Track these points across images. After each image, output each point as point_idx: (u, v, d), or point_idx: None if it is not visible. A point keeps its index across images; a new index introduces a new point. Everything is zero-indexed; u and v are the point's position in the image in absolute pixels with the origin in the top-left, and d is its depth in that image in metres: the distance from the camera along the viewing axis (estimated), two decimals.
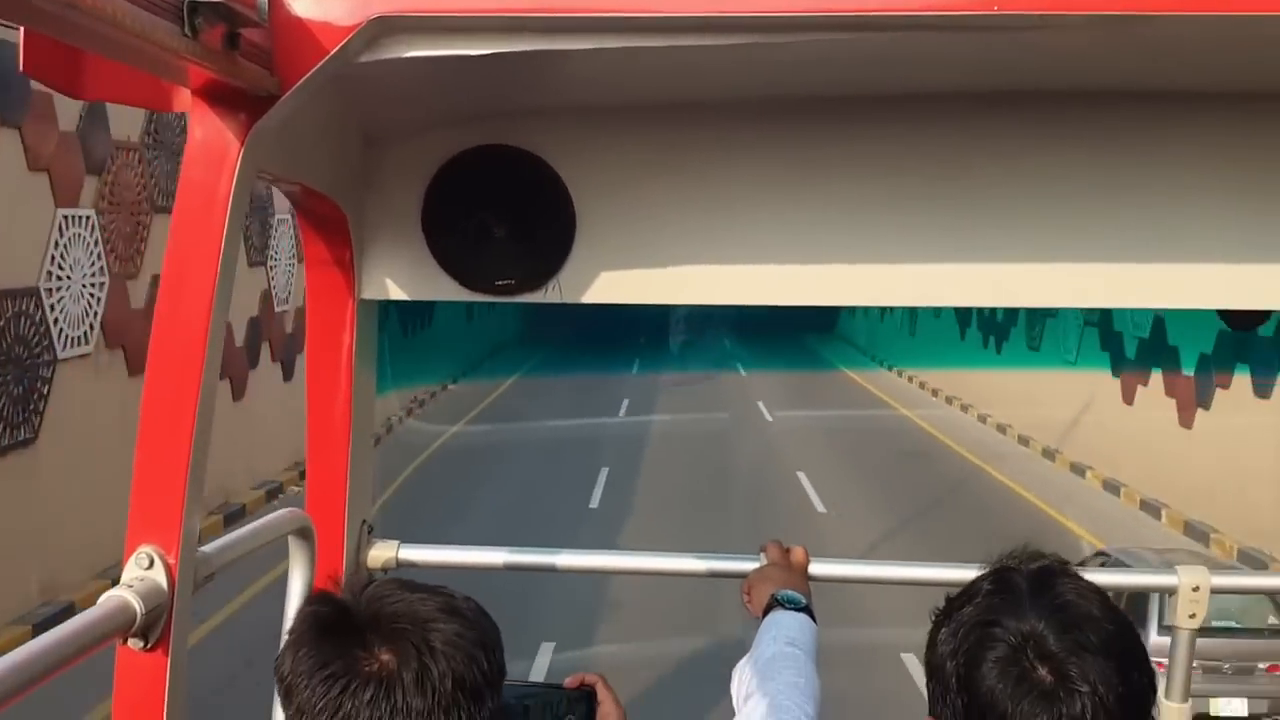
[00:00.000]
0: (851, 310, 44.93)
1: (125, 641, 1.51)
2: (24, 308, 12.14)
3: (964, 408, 28.46)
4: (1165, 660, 2.19)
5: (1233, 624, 9.70)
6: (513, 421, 26.65)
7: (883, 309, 36.24)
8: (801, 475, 19.53)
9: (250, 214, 15.81)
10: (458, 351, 35.19)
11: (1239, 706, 9.80)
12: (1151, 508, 17.65)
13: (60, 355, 12.81)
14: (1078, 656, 1.27)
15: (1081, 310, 19.67)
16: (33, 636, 1.51)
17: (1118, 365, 20.34)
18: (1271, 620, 10.00)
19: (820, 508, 17.55)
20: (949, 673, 1.34)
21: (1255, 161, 2.13)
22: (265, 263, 19.80)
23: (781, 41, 1.65)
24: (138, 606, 1.47)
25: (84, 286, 13.37)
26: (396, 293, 2.27)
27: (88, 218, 13.45)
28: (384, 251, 2.24)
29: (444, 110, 2.16)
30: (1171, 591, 2.32)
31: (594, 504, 17.80)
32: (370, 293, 2.25)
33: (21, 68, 1.47)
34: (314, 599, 1.34)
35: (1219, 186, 2.15)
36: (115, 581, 1.52)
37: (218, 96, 1.55)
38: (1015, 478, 20.34)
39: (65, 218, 12.92)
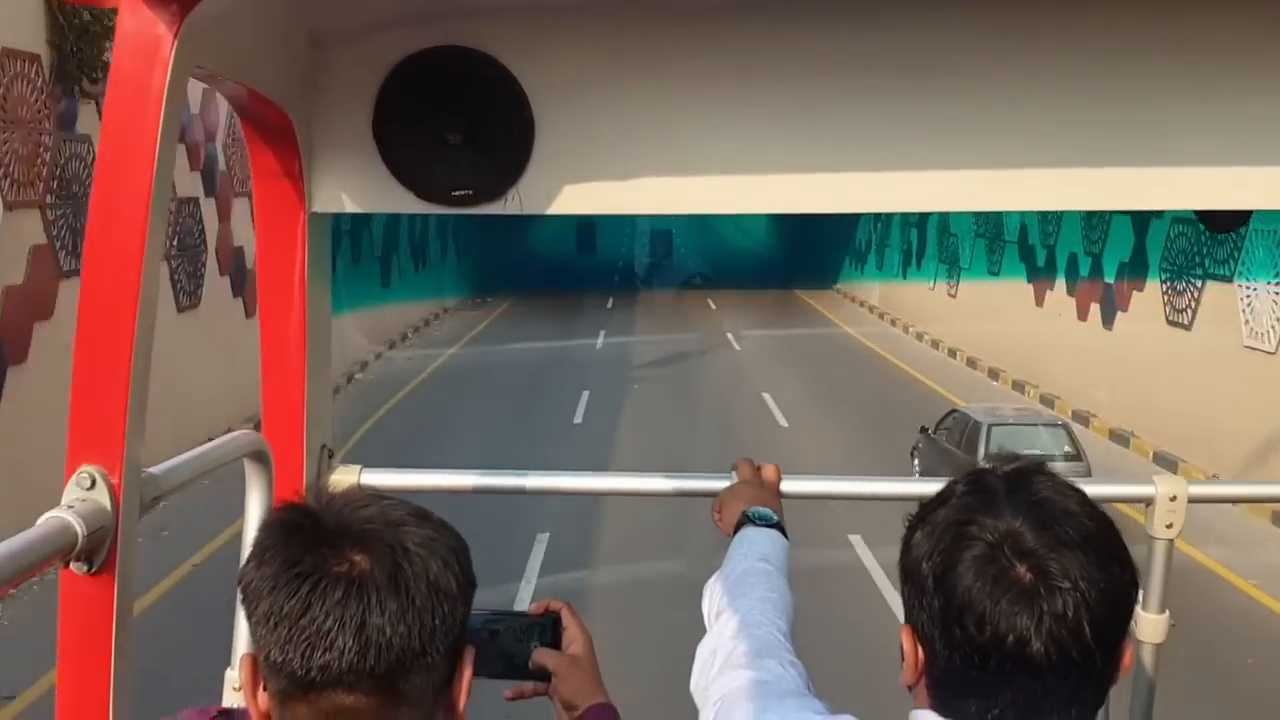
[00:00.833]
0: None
1: (68, 565, 1.43)
2: None
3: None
4: None
5: (1037, 452, 13.02)
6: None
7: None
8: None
9: None
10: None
11: None
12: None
13: None
14: (1057, 553, 1.22)
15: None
16: None
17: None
18: (1066, 449, 14.50)
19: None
20: (924, 574, 1.29)
21: (1230, 61, 2.07)
22: None
23: None
24: (79, 528, 1.40)
25: None
26: (349, 205, 2.17)
27: None
28: (334, 161, 2.14)
29: (394, 8, 2.06)
30: (1149, 501, 2.28)
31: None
32: (321, 205, 2.16)
33: None
34: (279, 508, 1.26)
35: (1196, 87, 2.08)
36: None
37: None
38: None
39: None
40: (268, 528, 1.20)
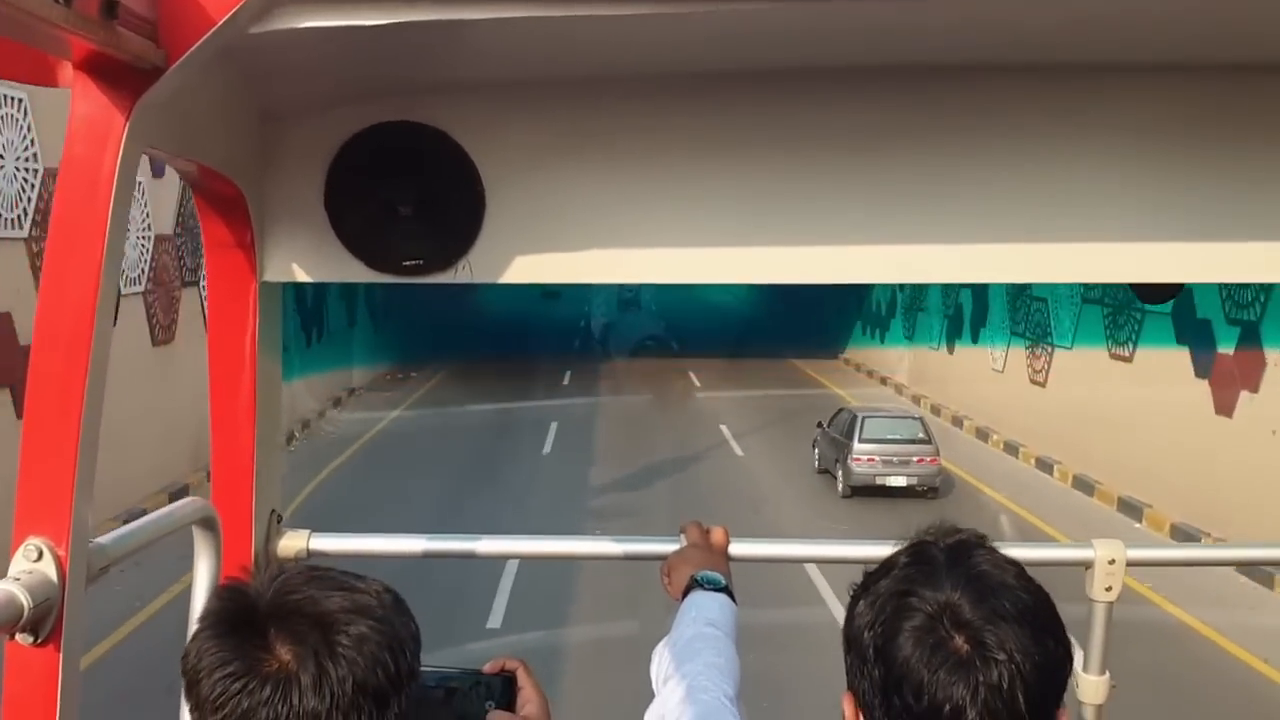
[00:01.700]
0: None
1: (12, 636, 1.45)
2: None
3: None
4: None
5: (899, 436, 19.65)
6: None
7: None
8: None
9: None
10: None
11: (900, 480, 19.23)
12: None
13: None
14: (994, 625, 1.27)
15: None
16: None
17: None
18: (919, 435, 19.83)
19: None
20: (866, 643, 1.33)
21: (1162, 136, 2.16)
22: None
23: (689, 12, 1.63)
24: (24, 600, 1.42)
25: None
26: (300, 275, 2.21)
27: None
28: (286, 232, 2.19)
29: (345, 85, 2.11)
30: (1088, 565, 2.33)
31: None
32: (273, 275, 2.20)
33: None
34: (221, 592, 1.31)
35: (1126, 163, 2.17)
36: None
37: (99, 70, 1.49)
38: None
39: None
40: (209, 613, 1.26)
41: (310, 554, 2.31)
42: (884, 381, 34.10)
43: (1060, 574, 1.98)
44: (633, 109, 2.18)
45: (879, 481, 19.14)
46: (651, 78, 2.15)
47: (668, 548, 2.24)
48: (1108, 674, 2.34)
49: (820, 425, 21.66)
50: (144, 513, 1.92)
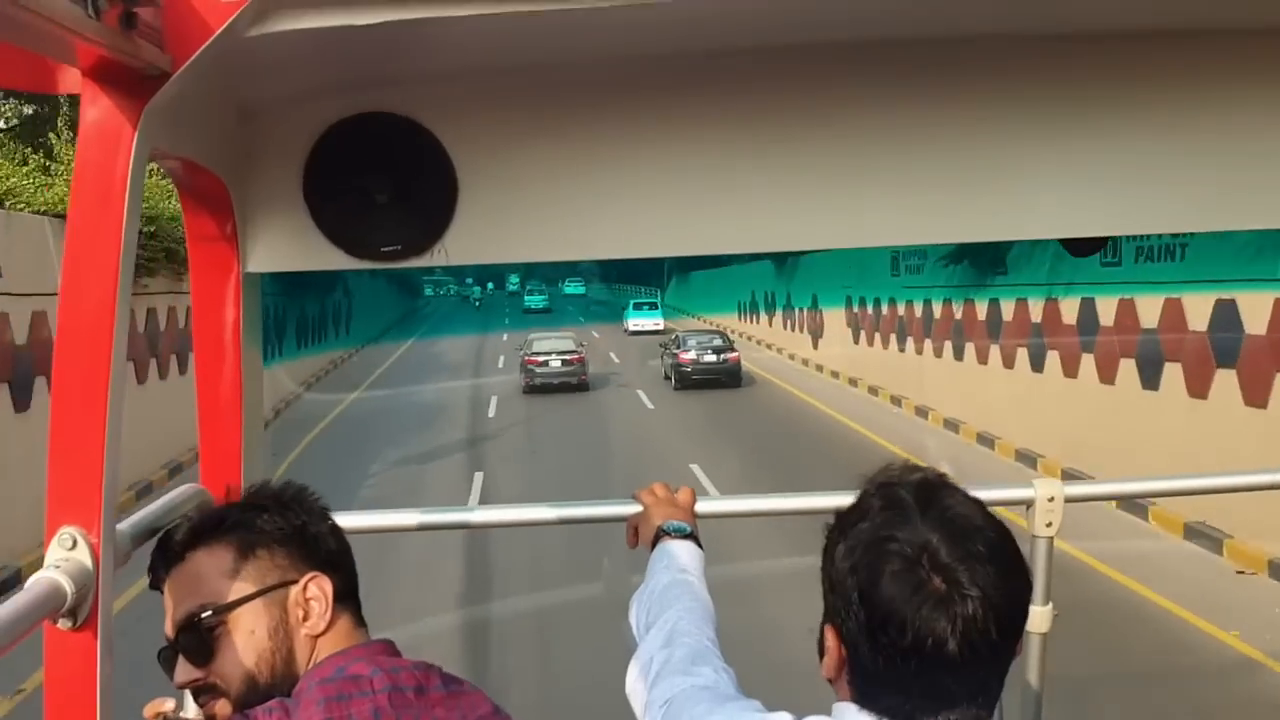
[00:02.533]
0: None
1: (55, 622, 1.52)
2: None
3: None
4: None
5: (707, 344, 31.92)
6: None
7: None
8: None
9: None
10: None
11: (709, 374, 31.07)
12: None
13: None
14: (967, 565, 1.40)
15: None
16: None
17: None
18: (720, 342, 32.25)
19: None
20: (850, 587, 1.45)
21: (1087, 98, 2.30)
22: None
23: (652, 1, 1.73)
24: (68, 586, 1.49)
25: None
26: (281, 264, 2.28)
27: None
28: (267, 223, 2.25)
29: (321, 80, 2.18)
30: (1029, 503, 2.50)
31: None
32: (255, 265, 2.26)
33: None
34: None
35: (1052, 122, 2.31)
36: None
37: (110, 77, 1.55)
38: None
39: None
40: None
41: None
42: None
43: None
44: (597, 91, 2.27)
45: (695, 376, 30.79)
46: (614, 61, 2.24)
47: (631, 509, 2.34)
48: (1050, 604, 2.51)
49: (662, 346, 35.15)
50: None
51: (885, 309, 28.70)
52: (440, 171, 2.24)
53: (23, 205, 15.65)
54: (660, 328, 47.30)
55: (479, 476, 18.85)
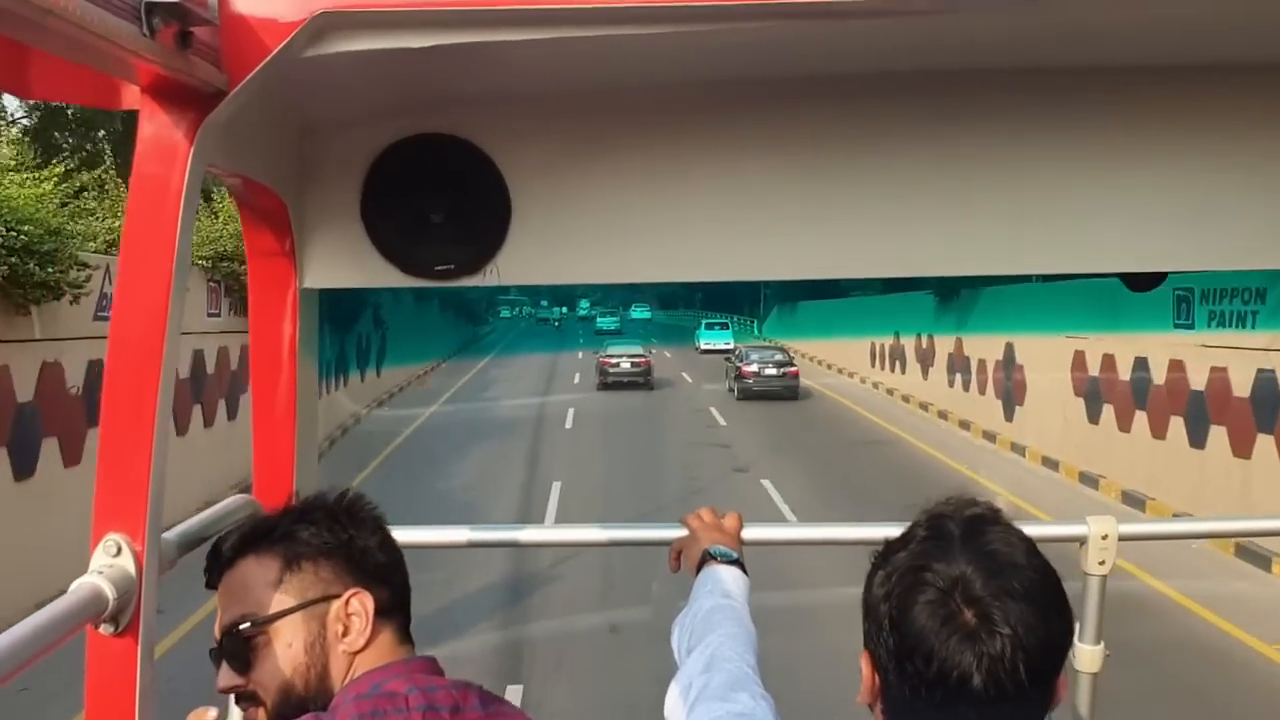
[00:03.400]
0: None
1: (97, 627, 1.55)
2: None
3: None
4: None
5: (768, 358, 35.86)
6: None
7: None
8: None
9: None
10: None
11: (769, 386, 34.47)
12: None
13: None
14: (1000, 601, 1.37)
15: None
16: None
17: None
18: (781, 357, 36.02)
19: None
20: (882, 614, 1.43)
21: (1147, 132, 2.26)
22: None
23: (709, 30, 1.73)
24: (109, 592, 1.52)
25: None
26: (338, 280, 2.31)
27: None
28: (324, 240, 2.29)
29: (379, 100, 2.21)
30: (1082, 540, 2.45)
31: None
32: (311, 281, 2.30)
33: None
34: None
35: (1112, 157, 2.27)
36: None
37: (167, 94, 1.59)
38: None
39: None
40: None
41: None
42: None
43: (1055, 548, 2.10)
44: (649, 115, 2.28)
45: (756, 389, 33.84)
46: (666, 86, 2.25)
47: (677, 533, 2.33)
48: (1102, 644, 2.46)
49: (727, 359, 39.52)
50: None
51: (1156, 373, 18.34)
52: (494, 193, 2.26)
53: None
54: (730, 347, 47.06)
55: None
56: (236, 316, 19.56)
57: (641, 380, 38.49)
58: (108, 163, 18.46)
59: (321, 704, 1.65)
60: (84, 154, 23.58)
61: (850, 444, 25.24)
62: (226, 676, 1.71)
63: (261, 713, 1.70)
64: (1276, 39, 2.01)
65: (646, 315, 74.08)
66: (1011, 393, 25.34)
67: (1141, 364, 18.67)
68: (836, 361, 45.50)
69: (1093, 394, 20.63)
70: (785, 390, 33.81)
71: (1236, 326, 14.90)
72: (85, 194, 16.67)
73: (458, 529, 2.60)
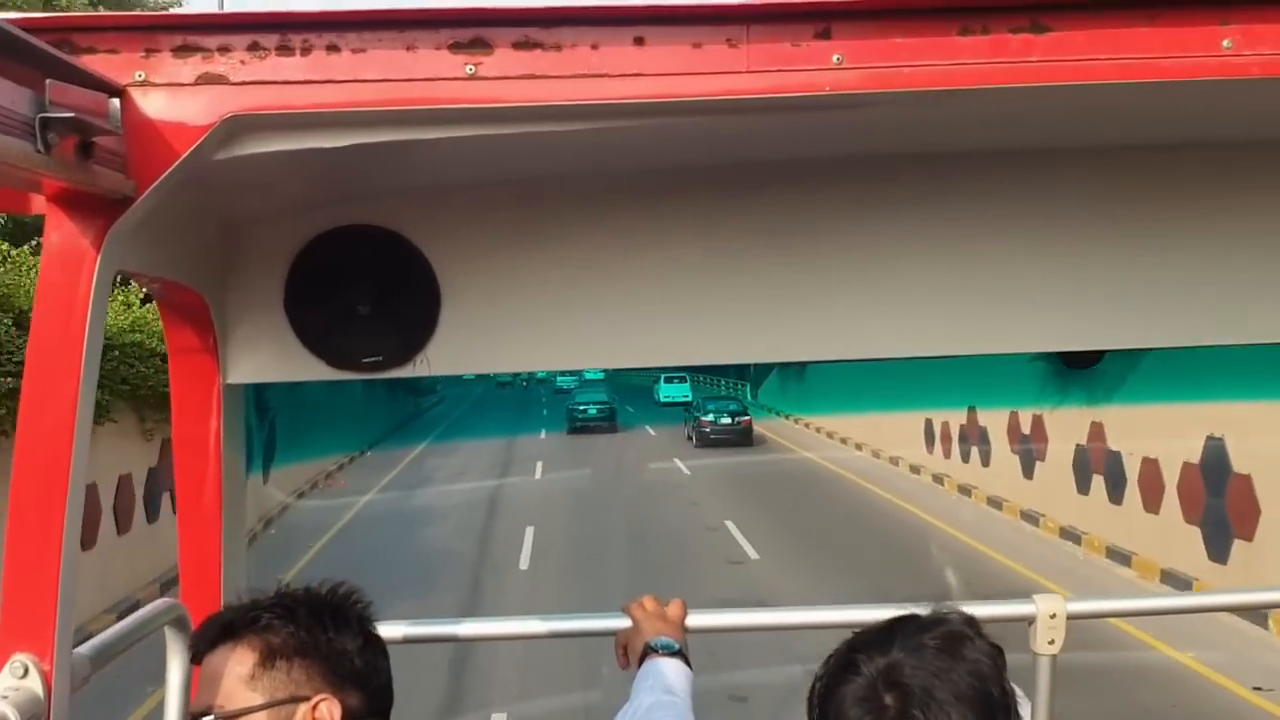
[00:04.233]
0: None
1: None
2: None
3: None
4: None
5: (724, 408, 38.01)
6: None
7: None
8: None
9: None
10: None
11: (724, 434, 36.06)
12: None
13: None
14: (930, 686, 1.36)
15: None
16: None
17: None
18: (736, 407, 38.59)
19: None
20: (815, 693, 1.45)
21: (1072, 214, 2.30)
22: None
23: (627, 126, 1.73)
24: (14, 717, 1.47)
25: None
26: (262, 375, 2.28)
27: None
28: (247, 335, 2.26)
29: (302, 194, 2.20)
30: (1030, 620, 2.43)
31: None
32: (235, 377, 2.26)
33: None
34: None
35: (1047, 237, 2.30)
36: None
37: (71, 202, 1.56)
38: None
39: None
40: None
41: None
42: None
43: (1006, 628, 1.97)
44: (579, 204, 2.28)
45: (713, 436, 35.74)
46: (594, 175, 2.26)
47: (622, 623, 2.30)
48: None
49: (686, 410, 42.61)
50: None
51: None
52: (422, 283, 2.25)
53: None
54: (689, 400, 48.68)
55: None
56: None
57: (606, 424, 42.72)
58: None
59: None
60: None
61: None
62: None
63: None
64: (1193, 120, 2.05)
65: (601, 376, 73.67)
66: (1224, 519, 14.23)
67: None
68: (870, 440, 32.79)
69: None
70: (739, 438, 35.90)
71: None
72: None
73: (392, 625, 2.54)
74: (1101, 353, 2.57)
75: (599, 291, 2.30)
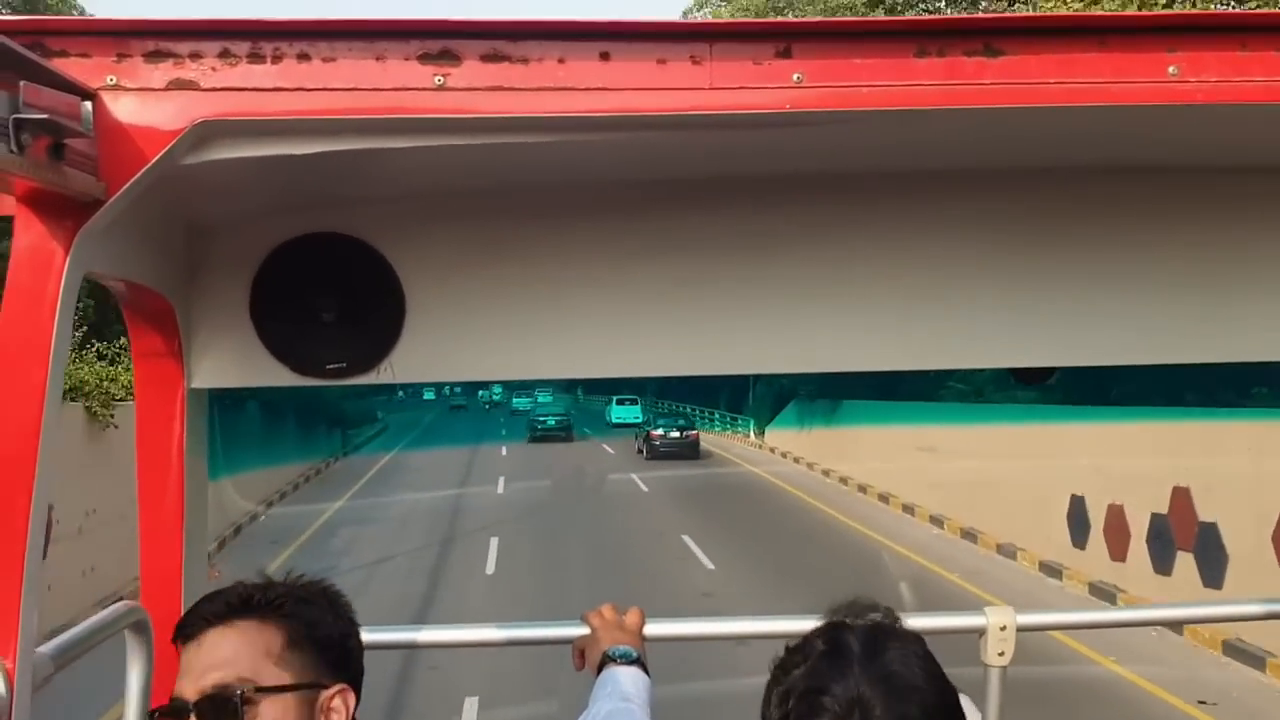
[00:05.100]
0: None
1: None
2: None
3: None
4: None
5: (673, 424, 42.29)
6: None
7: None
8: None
9: None
10: None
11: (673, 448, 39.30)
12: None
13: None
14: None
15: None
16: None
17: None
18: (684, 422, 43.31)
19: None
20: None
21: (1025, 233, 2.36)
22: None
23: (593, 139, 1.77)
24: None
25: None
26: (227, 380, 2.29)
27: None
28: (212, 340, 2.27)
29: (270, 201, 2.21)
30: (981, 631, 2.47)
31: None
32: (200, 381, 2.27)
33: None
34: None
35: (999, 254, 2.36)
36: None
37: (41, 203, 1.57)
38: None
39: None
40: None
41: None
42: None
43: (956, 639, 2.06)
44: (543, 215, 2.31)
45: (663, 449, 38.73)
46: (561, 185, 2.29)
47: (579, 630, 2.31)
48: None
49: (637, 430, 45.00)
50: None
51: None
52: (387, 290, 2.26)
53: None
54: (640, 421, 51.33)
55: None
56: None
57: (563, 434, 49.80)
58: None
59: None
60: None
61: None
62: None
63: None
64: (1140, 144, 2.11)
65: (550, 399, 74.47)
66: None
67: None
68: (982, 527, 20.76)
69: None
70: (687, 450, 39.27)
71: None
72: None
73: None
74: (1052, 369, 2.63)
75: (564, 302, 2.33)
